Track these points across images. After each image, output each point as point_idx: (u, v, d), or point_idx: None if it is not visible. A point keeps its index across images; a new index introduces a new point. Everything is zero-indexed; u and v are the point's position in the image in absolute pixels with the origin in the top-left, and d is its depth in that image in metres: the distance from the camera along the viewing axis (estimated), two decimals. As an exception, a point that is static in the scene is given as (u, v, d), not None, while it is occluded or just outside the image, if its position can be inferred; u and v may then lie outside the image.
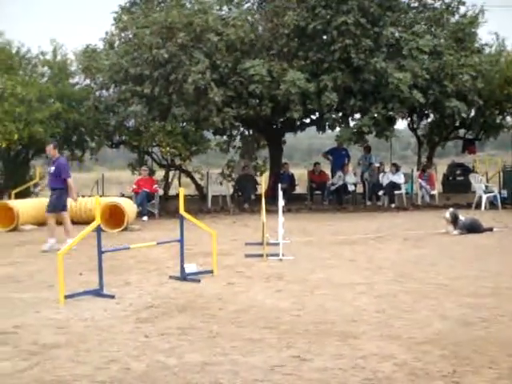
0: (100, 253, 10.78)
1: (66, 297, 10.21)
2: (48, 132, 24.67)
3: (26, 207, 21.36)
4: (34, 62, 28.37)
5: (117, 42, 25.67)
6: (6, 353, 7.73)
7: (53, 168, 16.29)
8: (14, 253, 15.74)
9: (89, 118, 25.49)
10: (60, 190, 16.03)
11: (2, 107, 24.17)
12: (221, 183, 27.18)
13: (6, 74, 26.03)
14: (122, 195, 24.47)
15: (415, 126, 29.71)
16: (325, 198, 26.91)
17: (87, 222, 12.55)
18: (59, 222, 16.53)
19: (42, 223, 20.97)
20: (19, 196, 24.33)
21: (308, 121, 27.78)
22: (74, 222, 19.80)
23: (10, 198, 23.62)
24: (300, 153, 39.78)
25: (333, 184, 26.99)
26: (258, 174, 27.84)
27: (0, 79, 25.33)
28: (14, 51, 28.06)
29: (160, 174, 27.78)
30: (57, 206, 16.21)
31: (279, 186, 16.94)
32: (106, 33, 26.19)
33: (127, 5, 26.14)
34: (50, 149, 16.80)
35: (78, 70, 27.36)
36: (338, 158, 27.63)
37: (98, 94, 25.98)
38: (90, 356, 7.53)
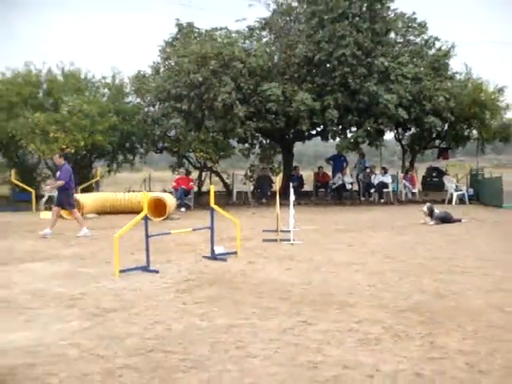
0: (147, 237, 10.84)
1: (121, 271, 10.29)
2: (106, 140, 24.89)
3: (89, 200, 21.48)
4: (97, 84, 28.56)
5: (161, 69, 25.79)
6: (73, 314, 7.82)
7: (59, 173, 16.25)
8: (80, 236, 15.84)
9: (139, 129, 25.62)
10: (66, 190, 16.01)
11: (71, 121, 24.34)
12: (244, 183, 27.35)
13: (75, 94, 26.28)
14: (165, 191, 24.51)
15: (400, 137, 29.67)
16: (327, 194, 26.98)
17: (137, 212, 12.56)
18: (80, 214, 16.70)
19: (101, 213, 21.13)
20: (84, 191, 24.50)
21: (314, 132, 27.78)
22: (125, 212, 19.99)
23: (77, 192, 23.73)
24: (307, 158, 39.78)
25: (334, 183, 26.96)
26: (274, 174, 27.85)
27: (70, 98, 25.53)
28: (81, 76, 28.30)
29: (195, 174, 27.83)
30: (68, 202, 16.26)
31: (290, 184, 16.95)
32: (153, 62, 26.39)
33: (170, 39, 26.23)
34: (56, 158, 16.79)
35: (131, 91, 27.48)
36: (338, 162, 27.61)
37: (146, 110, 26.09)
38: (139, 318, 7.59)
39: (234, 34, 25.72)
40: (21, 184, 25.34)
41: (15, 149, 26.41)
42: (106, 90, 28.32)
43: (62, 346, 6.57)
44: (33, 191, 24.74)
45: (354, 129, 26.13)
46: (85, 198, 21.40)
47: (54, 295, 8.93)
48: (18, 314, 7.95)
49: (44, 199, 24.63)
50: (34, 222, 19.44)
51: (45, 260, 12.14)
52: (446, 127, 27.33)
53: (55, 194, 24.11)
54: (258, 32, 27.60)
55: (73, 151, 24.74)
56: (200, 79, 23.11)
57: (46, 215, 21.02)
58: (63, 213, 20.62)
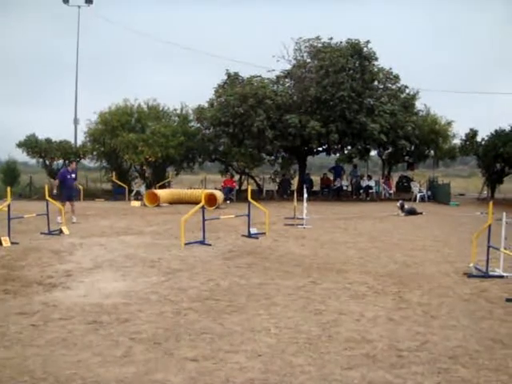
0: (203, 220, 10.96)
1: (185, 244, 10.38)
2: (176, 152, 25.14)
3: (164, 193, 21.65)
4: (170, 114, 28.72)
5: (215, 103, 25.73)
6: (153, 272, 7.96)
7: (73, 175, 15.57)
8: (157, 219, 15.95)
9: (198, 145, 25.66)
10: (75, 188, 15.84)
11: (152, 139, 24.69)
12: (269, 183, 27.41)
13: (155, 120, 26.63)
14: (215, 188, 24.58)
15: (381, 154, 29.47)
16: (329, 193, 26.84)
17: (196, 203, 12.68)
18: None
19: (172, 203, 21.26)
20: (160, 187, 24.71)
21: (321, 149, 27.61)
22: (188, 203, 20.08)
23: (155, 188, 23.94)
24: (315, 167, 39.48)
25: (334, 185, 26.96)
26: (292, 178, 27.86)
27: (153, 123, 25.87)
28: (160, 108, 28.56)
29: (237, 177, 27.87)
30: (74, 196, 15.78)
31: (304, 186, 16.96)
32: (209, 98, 26.30)
33: (221, 83, 26.24)
34: (74, 164, 16.64)
35: (193, 118, 27.54)
36: (337, 171, 27.60)
37: (204, 132, 26.08)
38: (197, 276, 7.69)
39: (265, 80, 25.59)
40: (118, 182, 25.66)
41: (115, 158, 26.74)
42: (176, 118, 28.45)
43: (146, 292, 6.72)
44: (126, 187, 25.12)
45: (349, 147, 26.03)
46: (161, 192, 21.64)
47: (140, 258, 9.10)
48: (117, 270, 8.14)
49: (133, 192, 24.95)
50: (127, 208, 19.72)
51: (134, 234, 12.33)
52: (412, 148, 27.22)
53: (142, 189, 24.51)
54: (282, 79, 27.59)
55: (153, 160, 25.09)
56: (241, 111, 23.20)
57: (135, 204, 21.34)
58: (145, 201, 20.91)
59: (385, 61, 28.53)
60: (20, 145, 26.16)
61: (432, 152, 28.53)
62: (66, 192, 15.16)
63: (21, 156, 27.66)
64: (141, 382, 4.07)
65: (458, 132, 28.49)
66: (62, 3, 31.47)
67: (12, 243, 10.54)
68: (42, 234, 12.15)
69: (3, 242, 10.43)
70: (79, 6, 31.41)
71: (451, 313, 5.93)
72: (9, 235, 10.81)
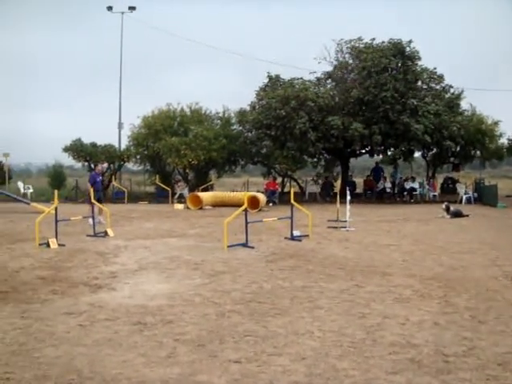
0: (246, 223, 10.99)
1: (228, 246, 10.45)
2: (218, 155, 25.31)
3: (207, 196, 21.85)
4: (213, 117, 29.01)
5: (257, 106, 25.83)
6: (197, 274, 8.02)
7: (100, 177, 15.92)
8: (200, 221, 16.11)
9: (241, 148, 25.81)
10: (103, 190, 15.84)
11: (195, 142, 24.91)
12: (312, 184, 27.28)
13: (198, 124, 26.86)
14: (258, 191, 24.64)
15: (425, 155, 29.00)
16: (373, 195, 26.60)
17: (239, 206, 12.70)
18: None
19: (215, 205, 21.40)
20: (203, 190, 24.94)
21: (364, 151, 27.43)
22: (231, 206, 20.13)
23: (198, 191, 24.18)
24: (358, 169, 39.10)
25: (377, 188, 26.72)
26: (334, 180, 27.71)
27: (195, 127, 26.12)
28: (202, 112, 28.85)
29: (279, 179, 27.87)
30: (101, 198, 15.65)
31: (347, 188, 16.81)
32: (251, 101, 26.41)
33: (263, 86, 26.30)
34: (104, 166, 16.61)
35: (235, 121, 27.73)
36: (376, 173, 27.45)
37: (245, 134, 26.24)
38: (240, 279, 7.70)
39: (307, 82, 25.57)
40: (162, 185, 26.04)
41: (158, 161, 27.24)
42: (218, 121, 28.72)
43: (190, 294, 6.77)
44: (169, 190, 25.45)
45: (392, 149, 25.77)
46: (204, 195, 21.85)
47: (184, 261, 9.19)
48: (162, 272, 8.25)
49: (176, 195, 25.26)
50: (170, 211, 19.98)
51: (177, 237, 12.49)
52: (458, 149, 26.74)
53: (185, 192, 24.80)
54: (324, 81, 27.54)
55: (196, 163, 25.36)
56: (283, 113, 23.23)
57: (178, 206, 21.57)
58: (189, 204, 21.11)
59: (428, 60, 28.02)
60: (66, 149, 26.95)
61: (478, 153, 27.90)
62: (97, 195, 14.89)
63: (67, 160, 28.55)
64: (185, 382, 4.11)
65: (506, 131, 27.80)
66: (105, 11, 32.36)
67: (59, 245, 10.83)
68: (87, 236, 12.44)
69: (51, 244, 10.73)
70: (123, 13, 32.18)
71: (500, 318, 5.76)
72: (56, 237, 11.11)
